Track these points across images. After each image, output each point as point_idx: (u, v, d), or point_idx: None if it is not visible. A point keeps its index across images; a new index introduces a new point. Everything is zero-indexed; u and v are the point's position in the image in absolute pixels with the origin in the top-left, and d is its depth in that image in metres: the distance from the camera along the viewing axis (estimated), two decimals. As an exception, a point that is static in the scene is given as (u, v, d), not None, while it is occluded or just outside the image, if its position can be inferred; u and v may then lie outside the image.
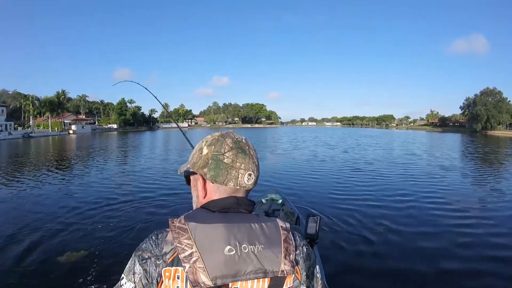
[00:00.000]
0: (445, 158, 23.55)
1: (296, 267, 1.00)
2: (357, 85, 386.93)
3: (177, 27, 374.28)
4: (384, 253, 6.00)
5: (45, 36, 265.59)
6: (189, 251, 0.89)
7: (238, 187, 1.03)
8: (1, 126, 69.45)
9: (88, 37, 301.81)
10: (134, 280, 0.94)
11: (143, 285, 0.93)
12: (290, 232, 1.02)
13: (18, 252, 5.96)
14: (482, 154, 28.31)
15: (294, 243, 1.00)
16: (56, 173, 16.82)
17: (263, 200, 5.20)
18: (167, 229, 0.97)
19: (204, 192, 1.06)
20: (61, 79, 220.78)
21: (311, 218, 2.96)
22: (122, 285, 0.96)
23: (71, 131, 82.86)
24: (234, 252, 0.89)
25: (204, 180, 1.06)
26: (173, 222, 0.95)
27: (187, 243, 0.89)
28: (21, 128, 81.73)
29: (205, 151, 1.06)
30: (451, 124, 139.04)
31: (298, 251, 1.03)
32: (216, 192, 1.04)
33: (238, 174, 1.02)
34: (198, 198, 1.09)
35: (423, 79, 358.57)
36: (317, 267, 1.11)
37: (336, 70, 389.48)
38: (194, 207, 1.11)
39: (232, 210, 1.01)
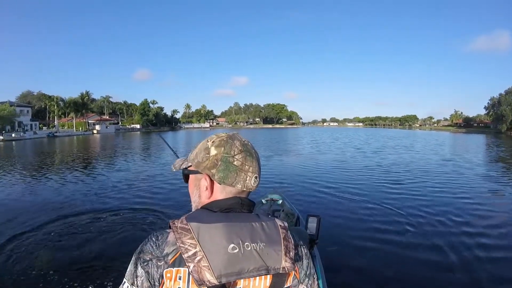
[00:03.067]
0: (484, 165, 19.89)
1: (296, 265, 1.02)
2: (379, 84, 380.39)
3: (195, 27, 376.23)
4: (387, 255, 5.88)
5: (69, 38, 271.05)
6: (193, 251, 0.89)
7: (244, 189, 1.04)
8: (26, 126, 71.34)
9: (109, 39, 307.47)
10: (137, 283, 0.94)
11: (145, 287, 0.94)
12: (288, 231, 1.04)
13: (16, 252, 5.82)
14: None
15: (293, 241, 1.02)
16: (77, 170, 17.03)
17: (263, 201, 5.10)
18: (168, 230, 0.98)
19: (210, 192, 1.06)
20: (85, 80, 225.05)
21: (311, 218, 2.96)
22: None
23: (95, 131, 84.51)
24: (237, 250, 0.90)
25: (211, 181, 1.05)
26: (174, 223, 0.95)
27: (191, 243, 0.90)
28: (46, 128, 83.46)
29: (213, 151, 1.05)
30: (476, 124, 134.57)
31: (296, 250, 1.05)
32: (222, 192, 1.05)
33: (247, 177, 1.03)
34: (200, 198, 1.09)
35: (446, 78, 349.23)
36: (314, 267, 1.13)
37: (357, 69, 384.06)
38: (194, 206, 1.11)
39: (235, 210, 1.02)
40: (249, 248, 0.92)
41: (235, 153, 1.03)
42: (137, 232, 6.76)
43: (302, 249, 1.10)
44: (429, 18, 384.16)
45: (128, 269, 0.97)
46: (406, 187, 11.85)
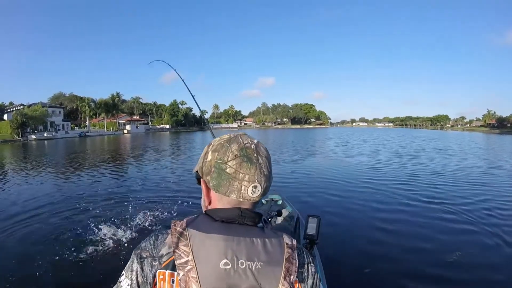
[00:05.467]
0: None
1: (299, 285, 0.97)
2: (409, 83, 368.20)
3: (222, 28, 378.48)
4: (387, 254, 5.65)
5: (99, 41, 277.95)
6: (185, 259, 0.87)
7: (241, 200, 0.96)
8: (59, 126, 73.29)
9: (138, 41, 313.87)
10: (131, 277, 0.94)
11: (139, 283, 0.93)
12: (296, 251, 0.97)
13: (28, 245, 5.89)
14: None
15: (297, 263, 0.95)
16: (108, 167, 17.08)
17: (263, 201, 4.95)
18: (168, 231, 0.95)
19: (208, 199, 1.04)
20: (115, 82, 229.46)
21: (311, 218, 2.93)
22: (121, 281, 0.96)
23: (125, 131, 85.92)
24: (230, 266, 0.87)
25: (208, 188, 1.02)
26: (175, 226, 0.93)
27: (184, 250, 0.88)
28: (77, 127, 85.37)
29: (209, 157, 1.00)
30: (509, 125, 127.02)
31: (302, 270, 0.99)
32: (219, 201, 0.99)
33: (241, 186, 0.94)
34: (204, 203, 1.07)
35: (478, 76, 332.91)
36: (320, 284, 1.06)
37: (387, 67, 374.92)
38: (203, 209, 1.07)
39: (236, 221, 0.96)
40: (243, 266, 0.87)
41: (229, 159, 0.96)
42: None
43: (309, 267, 1.02)
44: (462, 11, 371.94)
45: (127, 263, 0.98)
46: (454, 206, 8.77)
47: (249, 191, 0.95)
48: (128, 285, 0.94)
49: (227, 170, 0.95)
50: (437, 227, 6.95)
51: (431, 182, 12.14)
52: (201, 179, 1.05)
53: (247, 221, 0.97)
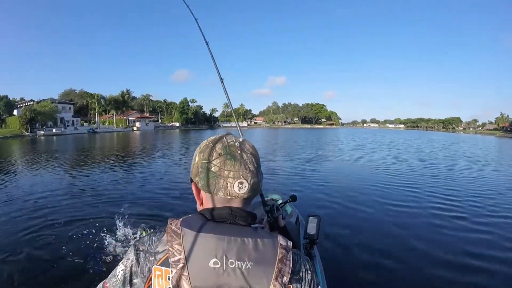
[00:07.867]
0: None
1: None
2: (421, 84, 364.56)
3: (232, 27, 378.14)
4: (387, 254, 5.64)
5: (110, 38, 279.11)
6: (178, 257, 0.89)
7: (229, 197, 0.97)
8: (68, 122, 73.55)
9: (149, 39, 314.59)
10: (125, 264, 0.98)
11: (132, 271, 0.97)
12: (291, 252, 0.95)
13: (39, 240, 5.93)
14: None
15: (291, 264, 0.93)
16: (113, 164, 16.94)
17: None
18: (165, 229, 0.97)
19: (200, 200, 1.05)
20: (126, 79, 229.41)
21: (311, 218, 2.93)
22: (118, 265, 1.01)
23: (135, 128, 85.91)
24: (219, 265, 0.87)
25: (198, 189, 1.04)
26: (170, 224, 0.95)
27: (177, 249, 0.89)
28: (87, 124, 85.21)
29: (197, 158, 1.03)
30: None
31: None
32: (209, 201, 1.00)
33: (227, 184, 0.95)
34: (198, 206, 1.08)
35: (491, 78, 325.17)
36: None
37: (398, 68, 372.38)
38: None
39: (228, 221, 0.97)
40: (233, 266, 0.88)
41: (213, 158, 0.98)
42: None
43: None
44: (476, 13, 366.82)
45: (126, 252, 1.02)
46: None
47: (235, 187, 0.96)
48: (122, 270, 0.99)
49: (212, 169, 0.96)
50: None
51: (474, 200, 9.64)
52: (192, 182, 1.06)
53: (239, 220, 0.97)
